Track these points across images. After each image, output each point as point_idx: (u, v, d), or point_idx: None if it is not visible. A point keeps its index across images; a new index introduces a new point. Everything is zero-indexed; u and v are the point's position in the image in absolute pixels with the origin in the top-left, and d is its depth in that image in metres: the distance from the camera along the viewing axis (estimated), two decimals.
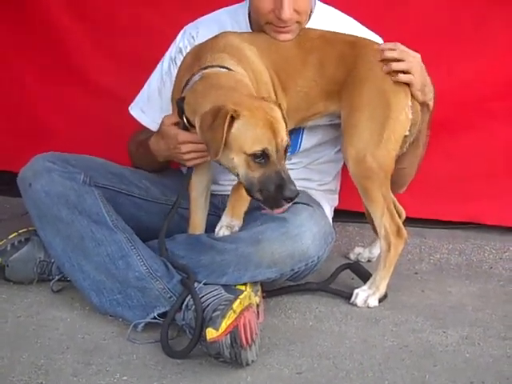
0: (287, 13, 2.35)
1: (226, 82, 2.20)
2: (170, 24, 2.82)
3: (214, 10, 2.69)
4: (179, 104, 2.26)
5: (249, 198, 2.31)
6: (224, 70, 2.26)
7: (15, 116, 3.40)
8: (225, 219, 2.35)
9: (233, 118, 2.08)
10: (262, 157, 2.10)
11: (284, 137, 2.13)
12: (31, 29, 3.30)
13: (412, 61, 2.37)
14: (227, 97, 2.13)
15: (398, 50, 2.37)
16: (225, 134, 2.07)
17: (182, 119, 2.28)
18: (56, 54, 3.30)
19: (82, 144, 3.16)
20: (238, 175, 2.16)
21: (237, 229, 2.35)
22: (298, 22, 2.43)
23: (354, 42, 2.43)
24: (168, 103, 2.49)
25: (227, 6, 2.67)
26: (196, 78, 2.25)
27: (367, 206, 2.44)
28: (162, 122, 2.39)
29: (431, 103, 2.45)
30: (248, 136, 2.10)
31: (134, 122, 2.70)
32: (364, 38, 2.47)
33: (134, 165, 2.71)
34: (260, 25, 2.46)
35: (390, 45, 2.38)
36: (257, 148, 2.10)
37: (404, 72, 2.35)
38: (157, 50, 2.71)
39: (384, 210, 2.38)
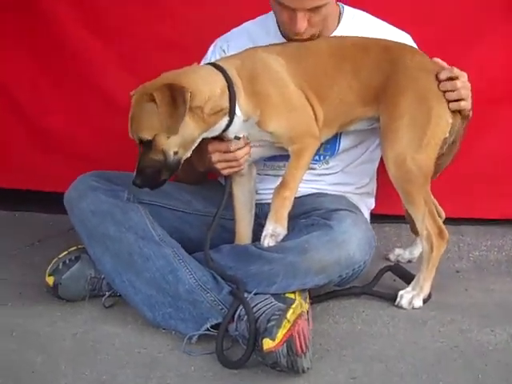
0: (300, 27, 2.43)
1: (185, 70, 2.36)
2: (190, 39, 2.85)
3: (239, 23, 2.73)
4: None
5: (291, 202, 2.36)
6: (211, 67, 2.36)
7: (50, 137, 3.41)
8: (269, 225, 2.37)
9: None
10: None
11: (131, 133, 2.30)
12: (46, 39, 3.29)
13: (463, 86, 2.40)
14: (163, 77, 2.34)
15: (453, 80, 2.39)
16: None
17: None
18: (74, 66, 3.29)
19: (109, 160, 3.17)
20: None
21: (281, 237, 2.37)
22: (312, 34, 2.49)
23: (388, 47, 2.45)
24: None
25: (254, 17, 2.72)
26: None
27: (408, 209, 2.47)
28: None
29: (471, 112, 2.49)
30: None
31: None
32: (398, 43, 2.49)
33: (176, 178, 2.75)
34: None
35: (446, 73, 2.39)
36: None
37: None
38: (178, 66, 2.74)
39: (425, 212, 2.40)
